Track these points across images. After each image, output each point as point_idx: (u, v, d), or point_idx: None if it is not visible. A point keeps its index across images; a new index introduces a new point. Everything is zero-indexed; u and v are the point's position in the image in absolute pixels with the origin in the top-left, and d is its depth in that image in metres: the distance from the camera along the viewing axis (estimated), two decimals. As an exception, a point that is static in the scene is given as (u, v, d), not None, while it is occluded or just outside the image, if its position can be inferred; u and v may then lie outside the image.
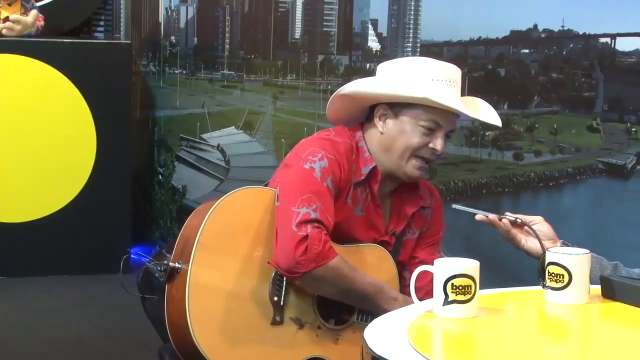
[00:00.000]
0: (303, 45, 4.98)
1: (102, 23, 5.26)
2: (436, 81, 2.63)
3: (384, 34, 4.75)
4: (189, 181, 5.14)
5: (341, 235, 2.70)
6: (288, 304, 2.64)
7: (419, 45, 4.60)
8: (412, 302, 2.24)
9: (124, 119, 4.70)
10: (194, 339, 2.50)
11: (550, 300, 2.21)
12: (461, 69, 2.71)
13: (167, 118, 5.19)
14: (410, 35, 4.62)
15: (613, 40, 4.19)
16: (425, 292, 2.26)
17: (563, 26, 4.28)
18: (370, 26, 4.79)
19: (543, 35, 4.35)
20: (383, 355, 1.86)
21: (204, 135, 5.12)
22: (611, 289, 2.23)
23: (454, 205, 2.56)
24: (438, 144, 2.66)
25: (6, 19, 4.50)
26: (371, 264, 2.74)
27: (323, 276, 2.57)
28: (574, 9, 4.27)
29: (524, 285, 2.37)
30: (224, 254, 2.58)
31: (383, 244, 2.79)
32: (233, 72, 5.09)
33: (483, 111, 2.73)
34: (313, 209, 2.55)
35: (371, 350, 1.88)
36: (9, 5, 4.53)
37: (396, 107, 2.67)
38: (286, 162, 2.71)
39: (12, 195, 4.55)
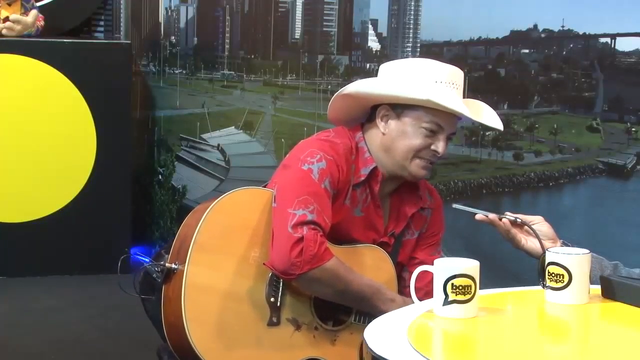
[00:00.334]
0: (303, 45, 4.98)
1: (102, 23, 5.26)
2: (439, 83, 2.63)
3: (384, 34, 4.75)
4: (189, 181, 5.14)
5: (340, 236, 2.70)
6: (285, 304, 2.64)
7: (419, 45, 4.60)
8: (410, 303, 2.24)
9: (124, 119, 4.70)
10: (190, 339, 2.50)
11: (550, 300, 2.21)
12: (461, 69, 2.71)
13: (167, 118, 5.19)
14: (410, 35, 4.63)
15: (613, 40, 4.19)
16: (424, 292, 2.26)
17: (563, 26, 4.28)
18: (370, 26, 4.79)
19: (543, 35, 4.35)
20: (383, 355, 1.86)
21: (204, 135, 5.12)
22: (611, 289, 2.23)
23: (454, 205, 2.56)
24: (440, 146, 2.65)
25: (6, 19, 4.50)
26: (369, 264, 2.74)
27: (319, 278, 2.56)
28: (574, 9, 4.27)
29: (524, 285, 2.37)
30: (220, 254, 2.58)
31: (382, 244, 2.78)
32: (233, 72, 5.09)
33: (485, 114, 2.72)
34: (310, 211, 2.55)
35: (371, 350, 1.88)
36: (9, 5, 4.53)
37: (398, 108, 2.67)
38: (285, 163, 2.71)
39: (12, 195, 4.55)
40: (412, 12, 4.61)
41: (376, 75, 2.77)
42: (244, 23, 5.12)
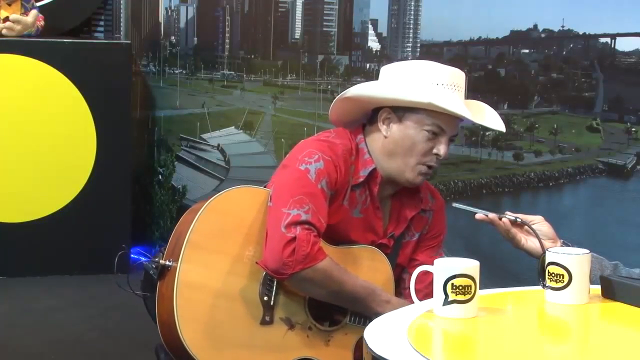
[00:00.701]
0: (303, 45, 4.98)
1: (102, 23, 5.26)
2: (441, 86, 2.62)
3: (384, 34, 4.75)
4: (189, 181, 5.15)
5: (338, 237, 2.70)
6: (278, 304, 2.63)
7: (419, 45, 4.60)
8: (406, 305, 2.24)
9: (124, 119, 4.70)
10: (181, 336, 2.49)
11: (550, 300, 2.21)
12: (461, 69, 2.71)
13: (167, 118, 5.19)
14: (410, 35, 4.63)
15: (613, 40, 4.19)
16: (424, 294, 2.25)
17: (563, 26, 4.28)
18: (370, 26, 4.79)
19: (543, 35, 4.35)
20: (383, 355, 1.86)
21: (204, 135, 5.12)
22: (611, 289, 2.23)
23: (454, 204, 2.56)
24: (442, 149, 2.65)
25: (6, 19, 4.50)
26: (365, 265, 2.73)
27: (311, 278, 2.56)
28: (574, 9, 4.27)
29: (524, 285, 2.37)
30: (214, 252, 2.58)
31: (381, 246, 2.77)
32: (233, 72, 5.09)
33: (487, 116, 2.71)
34: (304, 211, 2.55)
35: (371, 350, 1.88)
36: (9, 5, 4.53)
37: (400, 111, 2.66)
38: (283, 163, 2.71)
39: (12, 195, 4.55)
40: (412, 12, 4.61)
41: (376, 77, 2.77)
42: (244, 23, 5.12)
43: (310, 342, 2.67)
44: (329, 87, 4.82)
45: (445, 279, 2.08)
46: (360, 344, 2.73)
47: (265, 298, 2.61)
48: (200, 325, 2.53)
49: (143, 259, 2.68)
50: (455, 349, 2.05)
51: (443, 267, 2.10)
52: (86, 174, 4.61)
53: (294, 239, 2.52)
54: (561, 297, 2.20)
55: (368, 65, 4.78)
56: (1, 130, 4.52)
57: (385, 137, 2.69)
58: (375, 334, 1.98)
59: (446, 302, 2.08)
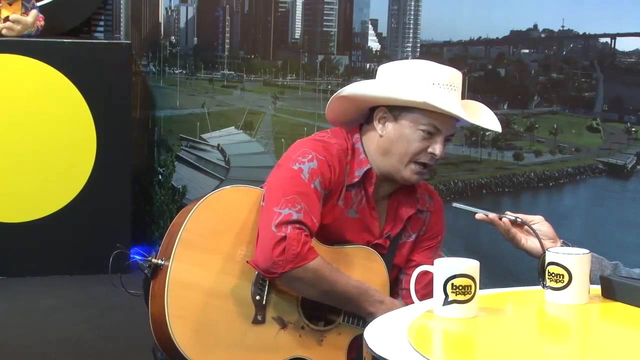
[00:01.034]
0: (303, 45, 4.98)
1: (102, 23, 5.26)
2: (437, 85, 2.62)
3: (384, 34, 4.75)
4: (189, 181, 5.15)
5: (332, 236, 2.70)
6: (270, 303, 2.63)
7: (419, 45, 4.60)
8: (399, 306, 2.24)
9: (124, 119, 4.70)
10: (172, 335, 2.49)
11: (550, 300, 2.21)
12: (461, 69, 2.71)
13: (167, 118, 5.19)
14: (410, 35, 4.63)
15: (613, 40, 4.19)
16: (421, 295, 2.25)
17: (563, 26, 4.28)
18: (370, 26, 4.79)
19: (543, 35, 4.35)
20: (383, 355, 1.86)
21: (204, 135, 5.12)
22: (611, 289, 2.23)
23: (455, 204, 2.56)
24: (437, 148, 2.64)
25: (6, 19, 4.50)
26: (359, 265, 2.73)
27: (302, 277, 2.56)
28: (574, 9, 4.27)
29: (524, 285, 2.37)
30: (206, 251, 2.58)
31: (377, 247, 2.77)
32: (233, 72, 5.09)
33: (483, 116, 2.71)
34: (296, 210, 2.55)
35: (371, 350, 1.88)
36: (10, 4, 4.53)
37: (396, 110, 2.66)
38: (278, 162, 2.72)
39: (12, 195, 4.55)
40: (412, 12, 4.61)
41: (375, 77, 2.77)
42: (244, 23, 5.12)
43: (302, 341, 2.66)
44: (329, 87, 4.82)
45: (445, 279, 2.08)
46: (353, 344, 2.73)
47: (258, 297, 2.61)
48: (191, 324, 2.53)
49: (138, 257, 2.68)
50: (455, 349, 2.05)
51: (443, 267, 2.10)
52: (86, 174, 4.61)
53: (284, 238, 2.52)
54: (561, 297, 2.20)
55: (368, 65, 4.78)
56: (1, 130, 4.52)
57: (381, 136, 2.69)
58: (375, 334, 1.98)
59: (446, 302, 2.08)
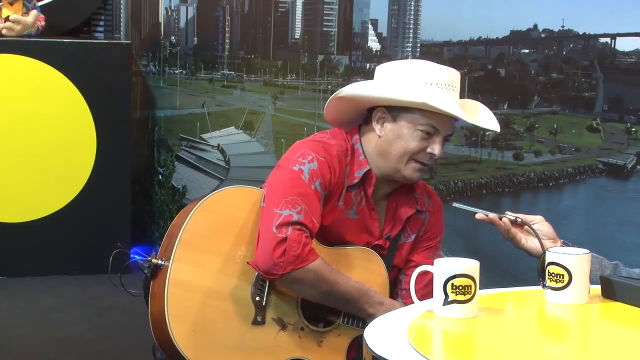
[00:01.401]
0: (303, 45, 4.98)
1: (102, 23, 5.26)
2: (435, 85, 2.62)
3: (384, 34, 4.75)
4: (189, 181, 5.15)
5: (333, 238, 2.69)
6: (270, 304, 2.63)
7: (419, 45, 4.60)
8: (399, 307, 2.24)
9: (124, 119, 4.70)
10: (172, 335, 2.50)
11: (550, 300, 2.21)
12: (461, 69, 2.70)
13: (167, 118, 5.19)
14: (410, 35, 4.62)
15: (613, 40, 4.19)
16: (421, 295, 2.25)
17: (563, 26, 4.28)
18: (370, 26, 4.79)
19: (543, 35, 4.35)
20: (383, 355, 1.86)
21: (204, 135, 5.12)
22: (611, 289, 2.23)
23: (455, 204, 2.56)
24: (436, 148, 2.64)
25: (7, 19, 4.50)
26: (359, 266, 2.73)
27: (302, 278, 2.56)
28: (574, 9, 4.27)
29: (524, 285, 2.37)
30: (206, 252, 2.58)
31: (377, 247, 2.77)
32: (233, 72, 5.09)
33: (482, 116, 2.70)
34: (297, 212, 2.55)
35: (371, 350, 1.88)
36: (11, 4, 4.53)
37: (394, 110, 2.66)
38: (278, 163, 2.72)
39: (12, 195, 4.56)
40: (412, 12, 4.61)
41: (373, 77, 2.77)
42: (244, 23, 5.12)
43: (302, 343, 2.66)
44: (329, 87, 4.81)
45: (445, 279, 2.08)
46: (353, 346, 2.73)
47: (257, 298, 2.61)
48: (190, 325, 2.53)
49: (138, 257, 2.68)
50: (455, 349, 2.05)
51: (443, 267, 2.10)
52: (86, 174, 4.61)
53: (284, 239, 2.52)
54: (561, 297, 2.20)
55: (368, 65, 4.78)
56: (1, 130, 4.52)
57: (380, 136, 2.68)
58: (375, 334, 1.98)
59: (446, 302, 2.08)
